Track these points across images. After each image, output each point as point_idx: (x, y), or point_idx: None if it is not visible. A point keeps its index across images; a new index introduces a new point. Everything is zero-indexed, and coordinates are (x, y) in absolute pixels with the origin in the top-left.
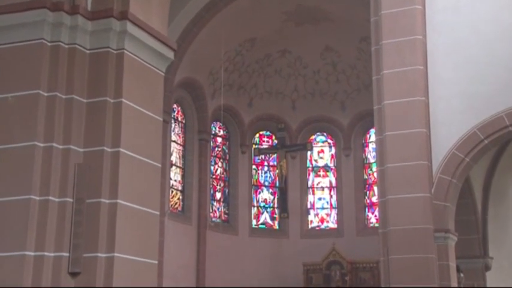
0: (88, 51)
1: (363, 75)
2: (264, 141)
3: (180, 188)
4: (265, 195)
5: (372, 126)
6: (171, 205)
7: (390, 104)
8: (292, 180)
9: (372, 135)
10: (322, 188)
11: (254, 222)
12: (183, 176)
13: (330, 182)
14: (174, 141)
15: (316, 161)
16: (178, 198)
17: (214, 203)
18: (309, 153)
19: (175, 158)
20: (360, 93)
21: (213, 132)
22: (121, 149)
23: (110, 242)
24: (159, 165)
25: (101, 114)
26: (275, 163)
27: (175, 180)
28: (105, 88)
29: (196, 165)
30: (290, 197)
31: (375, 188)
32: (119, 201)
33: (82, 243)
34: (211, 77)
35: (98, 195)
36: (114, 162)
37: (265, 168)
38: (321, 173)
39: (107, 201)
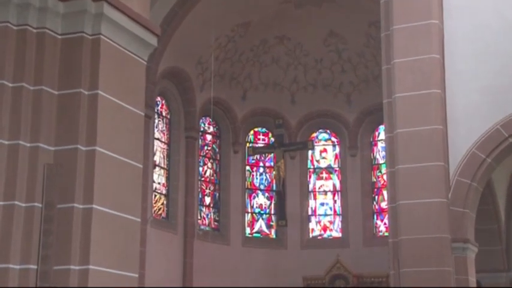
0: (59, 37)
1: (371, 64)
2: (259, 139)
3: (164, 192)
4: (260, 200)
5: (382, 123)
6: (154, 211)
7: (402, 97)
8: (291, 184)
9: (381, 133)
10: (325, 192)
11: (248, 230)
12: (167, 178)
13: (334, 186)
14: (157, 139)
15: (318, 161)
16: (162, 203)
17: (203, 209)
18: (310, 152)
19: (158, 158)
20: (368, 85)
21: (202, 129)
22: (97, 148)
23: (84, 253)
24: (141, 166)
25: (74, 108)
26: (272, 164)
27: (158, 183)
28: (79, 78)
29: (183, 166)
30: (289, 202)
31: (385, 193)
32: (94, 206)
33: (52, 255)
34: (199, 67)
35: (71, 200)
36: (89, 163)
37: (261, 170)
38: (324, 175)
39: (81, 206)
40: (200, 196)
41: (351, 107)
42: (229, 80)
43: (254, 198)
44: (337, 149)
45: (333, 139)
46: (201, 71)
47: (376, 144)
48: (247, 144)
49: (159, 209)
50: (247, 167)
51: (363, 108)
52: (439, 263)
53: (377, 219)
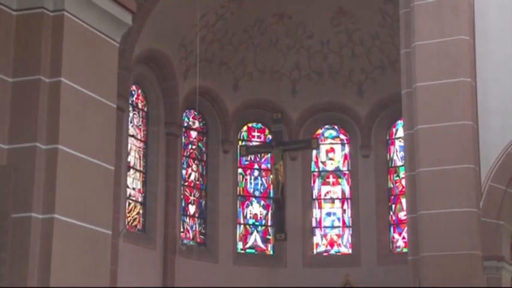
0: (14, 13)
1: (387, 47)
2: (253, 136)
3: (140, 199)
4: (255, 209)
5: (400, 118)
6: (128, 222)
7: (424, 87)
8: (291, 190)
9: (400, 130)
10: (332, 200)
11: (240, 245)
12: (144, 183)
13: (343, 192)
14: (132, 136)
15: (324, 163)
16: (138, 213)
17: (187, 220)
18: (314, 152)
19: (133, 158)
20: (383, 73)
21: (185, 124)
22: (59, 146)
23: (44, 271)
24: (112, 167)
25: (32, 99)
26: (269, 166)
27: (133, 189)
28: (38, 63)
29: (162, 169)
30: (289, 211)
31: (403, 201)
32: (56, 216)
33: (6, 273)
34: (182, 50)
35: (28, 208)
36: (50, 164)
37: (256, 173)
38: (331, 179)
39: (40, 216)
40: (183, 204)
41: (363, 99)
42: (218, 66)
43: (247, 206)
44: (347, 149)
45: (342, 137)
46: (184, 54)
47: (393, 143)
48: (240, 143)
49: (134, 220)
50: (240, 170)
51: (378, 100)
52: (467, 283)
53: (394, 232)
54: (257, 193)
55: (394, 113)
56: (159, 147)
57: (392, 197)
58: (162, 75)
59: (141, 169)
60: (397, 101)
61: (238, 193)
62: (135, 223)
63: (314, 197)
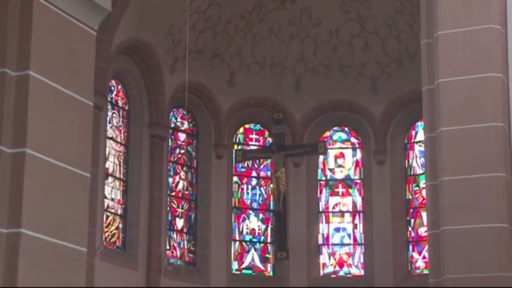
0: None
1: (406, 37)
2: (251, 139)
3: (119, 212)
4: (253, 223)
5: (420, 118)
6: (106, 238)
7: (448, 83)
8: (295, 201)
9: (420, 132)
10: (342, 213)
11: (235, 265)
12: (124, 193)
13: (354, 204)
14: (111, 139)
15: (332, 171)
16: (117, 228)
17: (174, 235)
18: (321, 158)
19: (112, 164)
20: (401, 66)
21: (173, 125)
22: (27, 150)
23: None
24: (88, 175)
25: None
26: (268, 174)
27: (112, 200)
28: (2, 54)
29: (146, 176)
30: (291, 226)
31: (424, 215)
32: (22, 230)
33: None
34: (170, 39)
35: None
36: (16, 170)
37: (253, 182)
38: (340, 189)
39: (4, 230)
40: (170, 218)
41: (378, 97)
42: (210, 58)
43: (244, 220)
44: (359, 154)
45: (353, 140)
46: (171, 45)
47: (412, 148)
48: (235, 147)
49: (113, 235)
50: (235, 178)
51: (394, 98)
52: None
53: (413, 250)
54: (255, 205)
55: (414, 113)
56: (142, 152)
57: (411, 210)
58: (146, 68)
59: (121, 177)
60: (417, 99)
61: (233, 205)
62: (113, 239)
63: (321, 209)
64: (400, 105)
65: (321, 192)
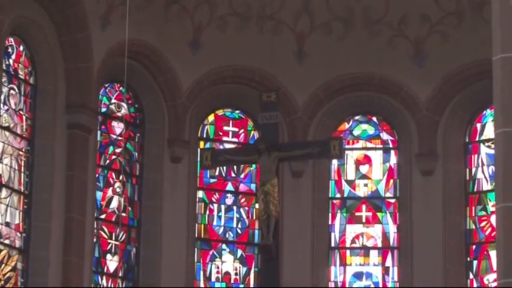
0: None
1: None
2: (226, 133)
3: (18, 243)
4: (227, 264)
5: (489, 105)
6: None
7: None
8: (292, 230)
9: (488, 125)
10: (366, 251)
11: None
12: (26, 214)
13: (385, 237)
14: (6, 129)
15: (352, 184)
16: (14, 268)
17: (103, 281)
18: (334, 164)
19: (8, 169)
20: (460, 24)
21: (104, 110)
22: None
23: None
24: None
25: None
26: (253, 187)
27: (7, 225)
28: None
29: (60, 189)
30: (287, 269)
31: (492, 254)
32: None
33: None
34: None
35: None
36: None
37: (229, 200)
38: (364, 213)
39: None
40: (97, 253)
41: (425, 70)
42: (164, 6)
43: (214, 259)
44: (393, 157)
45: (385, 137)
46: None
47: (475, 150)
48: (201, 145)
49: (8, 279)
50: (200, 193)
51: (450, 71)
52: None
53: None
54: (231, 236)
55: (479, 96)
56: (55, 150)
57: (473, 246)
58: (64, 20)
59: (22, 189)
60: (485, 73)
61: (196, 235)
62: (9, 285)
63: (333, 243)
64: (458, 83)
65: (333, 217)
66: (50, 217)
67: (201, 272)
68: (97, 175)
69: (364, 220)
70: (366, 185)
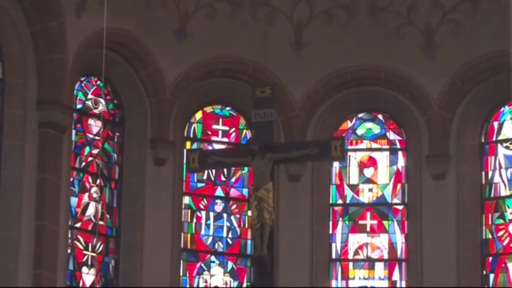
0: None
1: None
2: (215, 132)
3: None
4: (216, 278)
5: (508, 100)
6: None
7: None
8: (289, 240)
9: (507, 124)
10: (371, 263)
11: None
12: None
13: (392, 247)
14: None
15: (355, 189)
16: None
17: None
18: (335, 167)
19: None
20: (475, 11)
21: (79, 106)
22: None
23: None
24: None
25: None
26: (245, 192)
27: None
28: None
29: (30, 194)
30: (283, 282)
31: (510, 267)
32: None
33: None
34: None
35: None
36: None
37: (218, 207)
38: (368, 221)
39: None
40: (72, 267)
41: (436, 62)
42: None
43: (201, 272)
44: (401, 160)
45: (392, 136)
46: None
47: (492, 152)
48: (188, 145)
49: None
50: (187, 199)
51: (464, 64)
52: None
53: None
54: (220, 246)
55: (496, 92)
56: (25, 151)
57: (490, 258)
58: (34, 7)
59: None
60: (502, 66)
61: (182, 245)
62: None
63: (334, 255)
64: (472, 77)
65: (334, 226)
66: (19, 226)
67: (187, 287)
68: (72, 179)
69: (368, 229)
70: (370, 190)
